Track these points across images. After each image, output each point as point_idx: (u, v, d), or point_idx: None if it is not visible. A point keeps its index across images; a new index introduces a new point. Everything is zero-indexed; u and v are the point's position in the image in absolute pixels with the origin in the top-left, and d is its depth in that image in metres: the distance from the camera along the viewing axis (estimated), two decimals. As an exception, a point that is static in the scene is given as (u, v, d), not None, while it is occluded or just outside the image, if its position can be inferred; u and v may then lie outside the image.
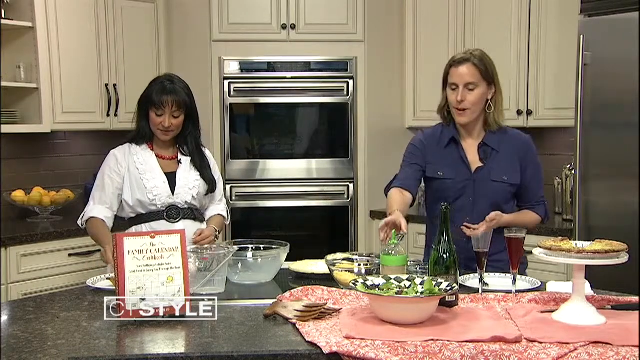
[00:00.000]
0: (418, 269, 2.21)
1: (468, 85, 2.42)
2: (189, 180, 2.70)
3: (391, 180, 2.60)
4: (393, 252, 2.13)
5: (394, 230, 2.18)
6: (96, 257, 3.62)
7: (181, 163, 2.73)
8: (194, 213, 2.73)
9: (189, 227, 2.61)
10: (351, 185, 4.31)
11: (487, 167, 2.49)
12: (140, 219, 2.68)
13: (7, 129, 3.50)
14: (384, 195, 2.56)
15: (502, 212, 2.41)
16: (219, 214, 2.85)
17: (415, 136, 2.67)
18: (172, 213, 2.66)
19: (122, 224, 2.77)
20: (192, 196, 2.70)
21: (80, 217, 2.71)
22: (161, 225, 2.64)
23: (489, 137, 2.50)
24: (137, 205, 2.66)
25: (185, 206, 2.69)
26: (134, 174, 2.66)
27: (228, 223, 2.97)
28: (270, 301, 2.02)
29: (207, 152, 2.85)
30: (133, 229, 2.66)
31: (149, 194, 2.64)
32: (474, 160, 2.51)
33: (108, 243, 2.46)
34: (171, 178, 2.69)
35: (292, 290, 2.09)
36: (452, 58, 2.51)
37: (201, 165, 2.75)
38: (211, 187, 2.77)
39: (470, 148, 2.53)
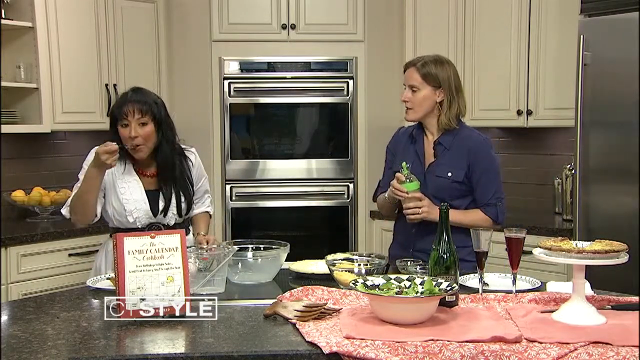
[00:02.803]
0: (418, 269, 2.21)
1: (412, 87, 2.61)
2: (171, 201, 2.61)
3: (376, 188, 2.77)
4: (409, 180, 2.48)
5: (403, 162, 2.49)
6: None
7: (163, 183, 2.61)
8: (177, 228, 2.63)
9: None
10: (351, 185, 4.31)
11: (436, 163, 2.60)
12: (122, 231, 2.54)
13: (7, 129, 3.50)
14: (374, 202, 2.72)
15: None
16: (205, 212, 2.80)
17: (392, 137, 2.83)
18: (154, 229, 2.56)
19: (107, 229, 2.75)
20: (173, 214, 2.62)
21: (65, 206, 2.60)
22: None
23: (444, 136, 2.61)
24: (118, 223, 2.60)
25: (167, 223, 2.63)
26: (114, 191, 2.57)
27: (212, 215, 2.90)
28: (270, 301, 2.02)
29: (192, 156, 2.73)
30: None
31: (128, 216, 2.57)
32: (429, 156, 2.64)
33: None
34: (153, 197, 2.60)
35: (292, 290, 2.09)
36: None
37: (181, 182, 2.64)
38: (189, 205, 2.67)
39: (428, 145, 2.66)
